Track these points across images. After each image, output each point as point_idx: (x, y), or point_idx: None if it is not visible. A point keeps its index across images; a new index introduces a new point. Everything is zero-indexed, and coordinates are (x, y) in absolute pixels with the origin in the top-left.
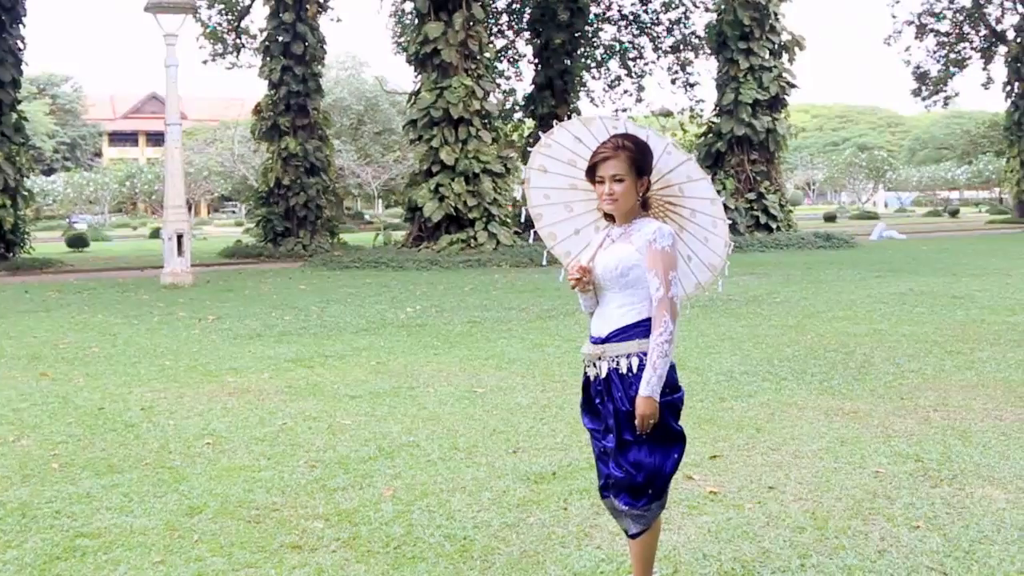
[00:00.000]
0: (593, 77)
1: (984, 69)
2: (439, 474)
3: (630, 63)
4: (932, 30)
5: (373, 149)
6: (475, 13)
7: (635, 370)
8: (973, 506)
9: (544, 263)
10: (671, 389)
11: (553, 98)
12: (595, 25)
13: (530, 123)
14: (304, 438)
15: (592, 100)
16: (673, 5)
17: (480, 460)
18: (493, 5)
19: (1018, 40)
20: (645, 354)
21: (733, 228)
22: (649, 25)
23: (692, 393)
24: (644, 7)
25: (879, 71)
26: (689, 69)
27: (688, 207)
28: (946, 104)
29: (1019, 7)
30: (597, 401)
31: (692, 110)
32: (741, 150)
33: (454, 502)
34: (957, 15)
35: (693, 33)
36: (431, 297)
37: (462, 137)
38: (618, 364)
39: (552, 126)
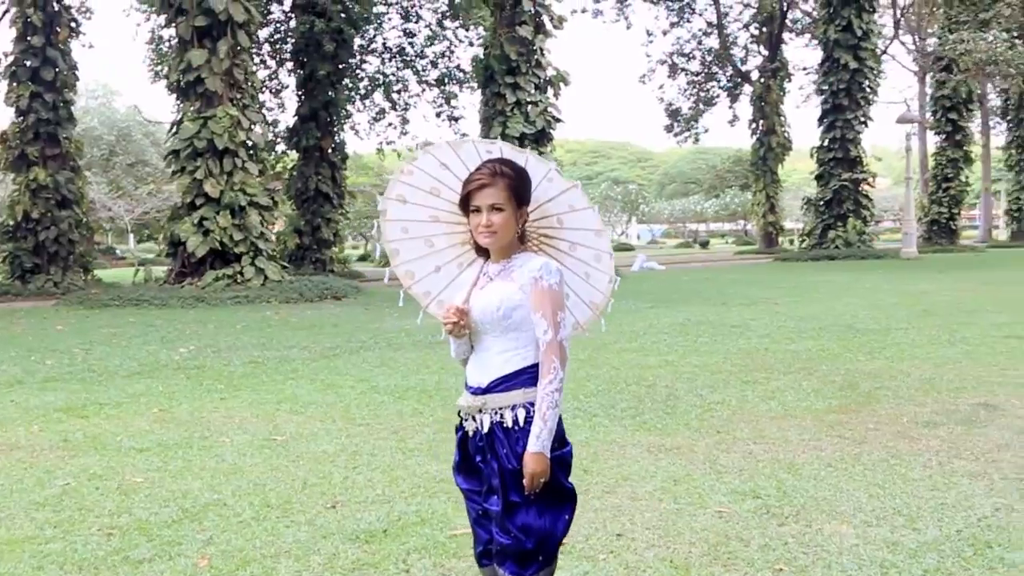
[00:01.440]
0: (357, 109)
1: (730, 107)
2: (257, 537)
3: (394, 96)
4: (683, 70)
5: (126, 181)
6: (240, 41)
7: (522, 423)
8: (826, 543)
9: (400, 304)
10: (559, 443)
11: (318, 130)
12: (359, 57)
13: (294, 155)
14: (93, 500)
15: (357, 132)
16: (438, 39)
17: (299, 518)
18: (256, 34)
19: (762, 80)
20: (532, 404)
21: None
22: (413, 58)
23: None
24: (409, 40)
25: (629, 108)
26: (454, 103)
27: (567, 239)
28: (696, 140)
29: (762, 50)
30: (478, 459)
31: None
32: None
33: (281, 570)
34: (706, 56)
35: (458, 67)
36: (203, 336)
37: (227, 169)
38: (502, 417)
39: (316, 158)
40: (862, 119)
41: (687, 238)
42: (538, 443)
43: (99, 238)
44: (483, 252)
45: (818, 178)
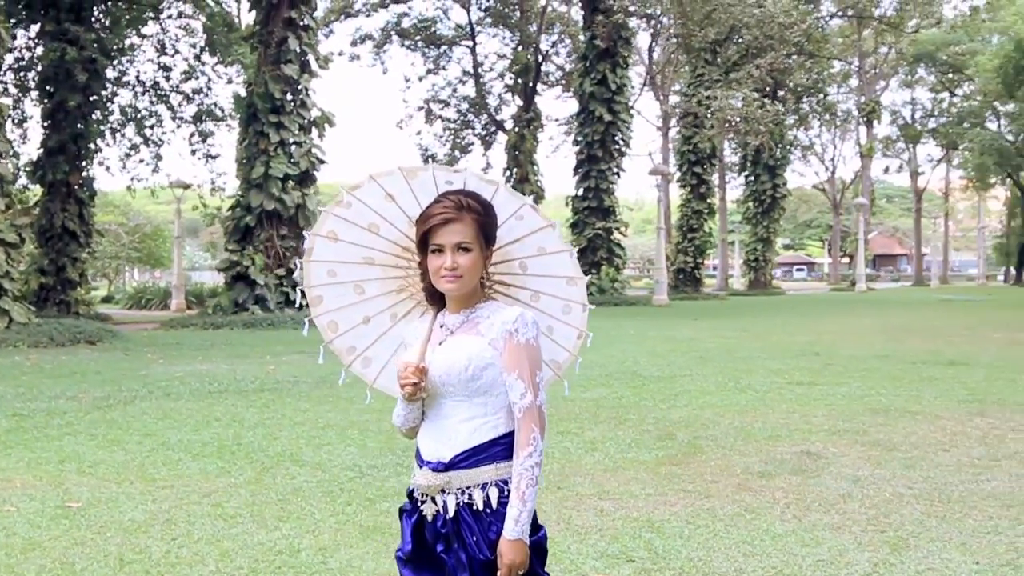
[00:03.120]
0: (107, 144)
1: (484, 155)
2: None
3: (147, 131)
4: (439, 116)
5: None
6: None
7: (494, 504)
8: None
9: (321, 360)
10: (533, 527)
11: (66, 164)
12: (111, 89)
13: (38, 190)
14: None
15: (108, 168)
16: (195, 75)
17: None
18: (1, 59)
19: (516, 129)
20: (505, 482)
21: (263, 304)
22: (168, 92)
23: (334, 496)
24: (165, 74)
25: (378, 152)
26: (210, 140)
27: (530, 288)
28: None
29: (517, 100)
30: (439, 548)
31: (213, 183)
32: (271, 225)
33: None
34: (462, 103)
35: (215, 104)
36: None
37: None
38: (471, 498)
39: (63, 194)
40: (616, 170)
41: None
42: (517, 528)
43: None
44: (437, 301)
45: (573, 226)
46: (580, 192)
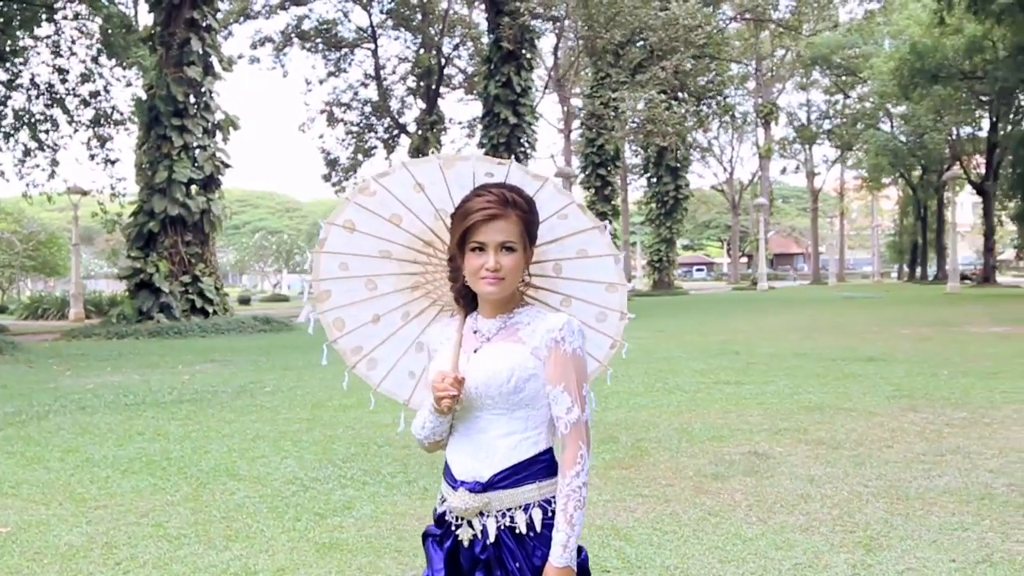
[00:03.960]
0: (0, 149)
1: (387, 158)
2: None
3: (42, 135)
4: (341, 120)
5: None
6: None
7: (538, 527)
8: None
9: (324, 362)
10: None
11: None
12: (3, 93)
13: None
14: None
15: (2, 174)
16: (92, 78)
17: None
18: None
19: (419, 132)
20: (548, 502)
21: (168, 312)
22: (64, 96)
23: (281, 512)
24: (61, 77)
25: (274, 157)
26: (109, 145)
27: (561, 292)
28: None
29: (420, 102)
30: None
31: (113, 188)
32: (175, 231)
33: None
34: (365, 106)
35: (114, 108)
36: None
37: None
38: (513, 520)
39: None
40: None
41: None
42: (566, 555)
43: None
44: (468, 303)
45: None
46: None
